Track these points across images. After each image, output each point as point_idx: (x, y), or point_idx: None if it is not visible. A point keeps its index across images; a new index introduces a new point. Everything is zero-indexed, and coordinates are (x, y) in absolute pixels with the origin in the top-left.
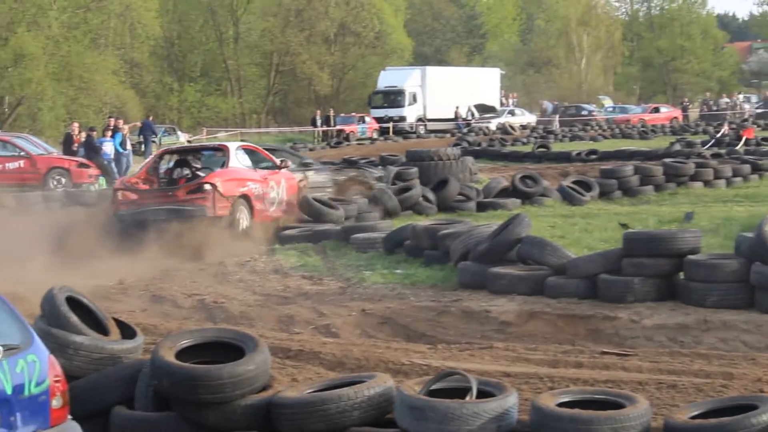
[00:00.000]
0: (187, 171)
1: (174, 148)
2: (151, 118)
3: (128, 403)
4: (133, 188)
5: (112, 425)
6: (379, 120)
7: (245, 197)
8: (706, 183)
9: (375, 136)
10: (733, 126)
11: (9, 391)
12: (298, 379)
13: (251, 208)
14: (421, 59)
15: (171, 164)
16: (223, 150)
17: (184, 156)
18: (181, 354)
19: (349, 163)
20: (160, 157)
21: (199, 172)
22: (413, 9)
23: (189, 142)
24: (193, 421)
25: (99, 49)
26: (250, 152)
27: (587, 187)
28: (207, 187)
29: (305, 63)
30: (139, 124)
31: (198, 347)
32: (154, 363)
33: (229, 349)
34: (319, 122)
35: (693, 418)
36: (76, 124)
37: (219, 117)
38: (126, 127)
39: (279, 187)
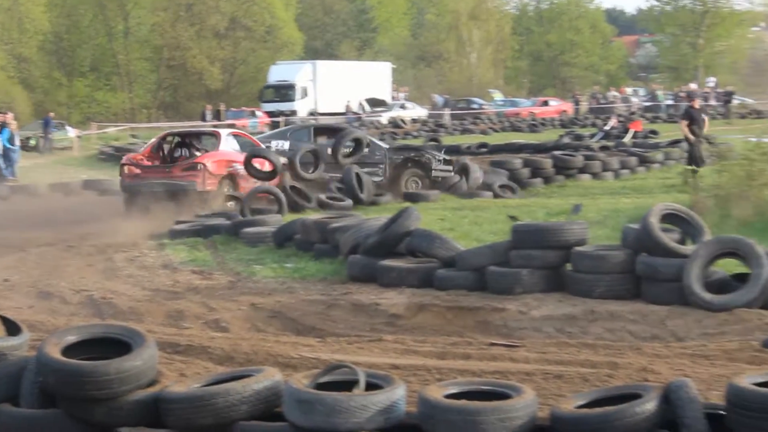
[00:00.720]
0: (186, 151)
1: (176, 131)
2: (52, 115)
3: (13, 401)
4: (138, 164)
5: None
6: (270, 114)
7: (231, 176)
8: (595, 175)
9: (266, 130)
10: (621, 119)
11: None
12: (186, 374)
13: (236, 185)
14: (312, 53)
15: (173, 145)
16: (216, 135)
17: (184, 138)
18: (68, 350)
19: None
20: (163, 138)
21: (197, 153)
22: (304, 3)
23: (78, 137)
24: (79, 417)
25: None
26: (239, 138)
27: None
28: (198, 166)
29: (196, 57)
30: None
31: (85, 343)
32: (40, 360)
33: (117, 345)
34: (208, 117)
35: (579, 407)
36: None
37: (109, 112)
38: (15, 122)
39: (262, 168)
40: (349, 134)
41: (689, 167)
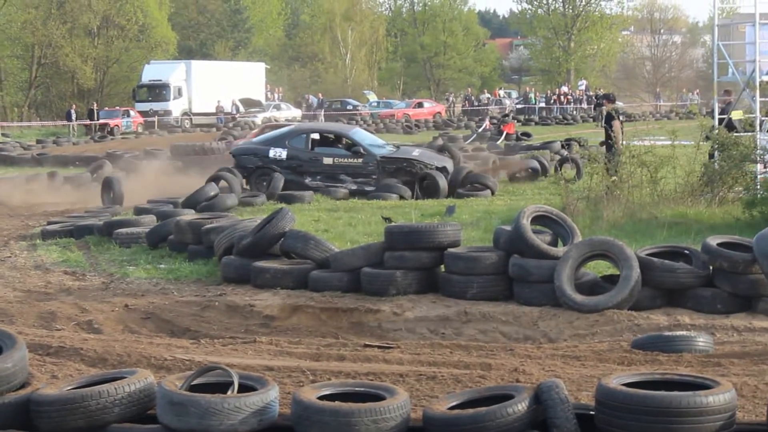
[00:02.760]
0: None
1: (272, 123)
2: None
3: None
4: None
5: None
6: (143, 114)
7: None
8: None
9: (140, 130)
10: (495, 121)
11: None
12: (58, 376)
13: None
14: (185, 53)
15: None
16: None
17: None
18: None
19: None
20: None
21: None
22: (177, 2)
23: None
24: None
25: None
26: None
27: None
28: None
29: (68, 56)
30: None
31: None
32: None
33: None
34: (74, 116)
35: (451, 408)
36: None
37: None
38: None
39: None
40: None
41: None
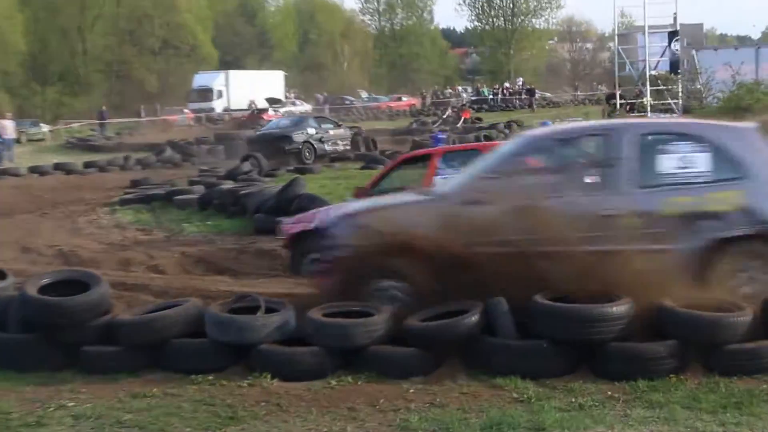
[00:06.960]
0: None
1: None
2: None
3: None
4: None
5: None
6: (194, 111)
7: None
8: None
9: (192, 123)
10: (455, 109)
11: None
12: (132, 305)
13: None
14: (224, 65)
15: None
16: None
17: None
18: (43, 289)
19: None
20: None
21: None
22: (218, 28)
23: (50, 131)
24: (55, 342)
25: None
26: None
27: None
28: None
29: (137, 69)
30: None
31: (54, 284)
32: (22, 297)
33: (77, 285)
34: (143, 114)
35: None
36: None
37: (73, 112)
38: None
39: None
40: None
41: None
